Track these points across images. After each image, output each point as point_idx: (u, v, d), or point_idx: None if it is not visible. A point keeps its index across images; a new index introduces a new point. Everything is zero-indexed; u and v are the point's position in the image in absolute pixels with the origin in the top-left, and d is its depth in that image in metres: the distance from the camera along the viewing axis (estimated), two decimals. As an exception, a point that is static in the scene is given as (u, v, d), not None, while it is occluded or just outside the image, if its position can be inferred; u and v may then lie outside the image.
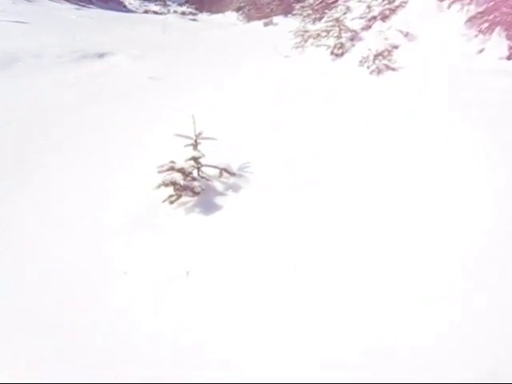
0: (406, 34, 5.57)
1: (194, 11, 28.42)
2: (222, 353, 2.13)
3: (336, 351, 2.02)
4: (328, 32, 6.85)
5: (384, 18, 6.48)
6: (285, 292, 2.47)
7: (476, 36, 4.79)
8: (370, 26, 6.64)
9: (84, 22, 16.44)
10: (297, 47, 7.51)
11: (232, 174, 3.63)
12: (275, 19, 12.98)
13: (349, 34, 6.54)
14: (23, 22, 13.46)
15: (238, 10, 23.05)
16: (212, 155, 3.61)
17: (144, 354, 2.17)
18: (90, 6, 25.85)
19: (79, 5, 24.20)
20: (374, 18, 6.64)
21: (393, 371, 1.87)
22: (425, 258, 2.45)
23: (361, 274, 2.46)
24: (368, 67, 5.31)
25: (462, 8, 5.22)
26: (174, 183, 3.35)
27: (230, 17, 23.75)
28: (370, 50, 5.36)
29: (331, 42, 6.57)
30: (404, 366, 1.90)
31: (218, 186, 3.63)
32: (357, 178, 3.33)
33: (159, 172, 3.41)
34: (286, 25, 11.37)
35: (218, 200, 3.46)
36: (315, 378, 1.88)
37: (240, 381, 1.94)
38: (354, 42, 6.39)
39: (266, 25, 12.60)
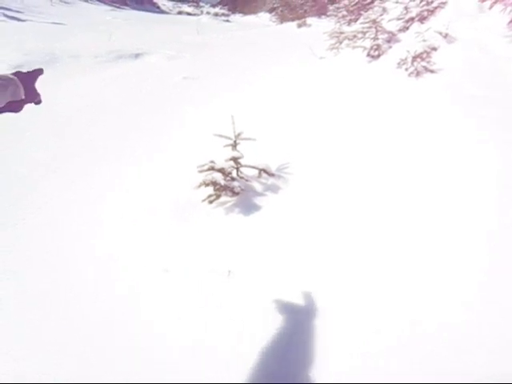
0: (446, 36, 5.48)
1: (226, 12, 28.52)
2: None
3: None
4: (364, 33, 6.79)
5: (422, 19, 6.38)
6: (323, 293, 2.50)
7: (520, 37, 4.70)
8: (407, 28, 6.55)
9: (119, 23, 16.71)
10: (332, 49, 7.46)
11: (271, 174, 3.66)
12: (309, 20, 12.88)
13: (385, 36, 6.47)
14: (61, 24, 13.79)
15: (270, 11, 23.00)
16: (250, 155, 3.65)
17: (185, 356, 2.21)
18: (125, 7, 26.26)
19: (114, 6, 24.61)
20: (412, 19, 6.55)
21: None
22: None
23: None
24: (406, 69, 5.24)
25: (505, 9, 5.11)
26: (214, 183, 3.40)
27: (263, 18, 23.75)
28: (408, 51, 5.30)
29: (367, 43, 6.50)
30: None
31: (257, 186, 3.66)
32: (397, 183, 3.33)
33: (199, 172, 3.46)
34: (319, 26, 11.32)
35: (257, 200, 3.49)
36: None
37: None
38: (391, 44, 6.32)
39: (299, 26, 12.52)
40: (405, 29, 6.57)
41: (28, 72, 1.43)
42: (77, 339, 2.31)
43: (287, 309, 2.43)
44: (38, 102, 1.49)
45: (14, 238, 3.16)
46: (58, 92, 6.53)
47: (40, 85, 1.49)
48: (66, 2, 19.90)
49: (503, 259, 2.42)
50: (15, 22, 12.22)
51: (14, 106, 1.35)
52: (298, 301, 2.47)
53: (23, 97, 1.37)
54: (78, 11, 18.40)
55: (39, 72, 1.47)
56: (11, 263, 2.88)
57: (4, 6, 14.41)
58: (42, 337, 2.32)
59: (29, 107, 1.42)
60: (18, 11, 14.29)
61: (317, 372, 2.04)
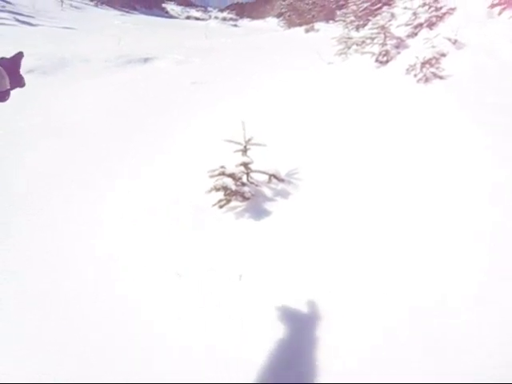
0: (455, 42, 5.45)
1: (234, 17, 28.75)
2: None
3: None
4: (372, 39, 6.77)
5: (431, 25, 6.36)
6: (328, 296, 2.48)
7: (529, 44, 4.66)
8: (416, 34, 6.53)
9: (128, 27, 16.89)
10: (340, 54, 7.45)
11: (281, 179, 3.64)
12: (316, 25, 12.90)
13: (394, 42, 6.45)
14: (71, 28, 13.96)
15: (278, 15, 23.05)
16: (259, 160, 3.62)
17: (185, 356, 2.18)
18: (134, 12, 26.59)
19: (123, 11, 24.93)
20: (421, 25, 6.52)
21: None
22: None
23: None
24: (415, 75, 5.21)
25: (515, 14, 5.08)
26: (225, 188, 3.39)
27: (271, 23, 23.82)
28: (417, 57, 5.26)
29: (376, 49, 6.49)
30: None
31: (267, 191, 3.66)
32: (404, 187, 3.31)
33: (210, 177, 3.45)
34: (327, 31, 11.33)
35: (268, 206, 3.48)
36: None
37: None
38: (400, 50, 6.30)
39: (307, 31, 12.56)
40: (413, 35, 6.54)
41: (10, 58, 1.43)
42: (77, 339, 2.29)
43: (291, 311, 2.41)
44: (22, 86, 1.47)
45: (14, 238, 3.16)
46: (66, 95, 6.57)
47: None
48: (76, 7, 20.19)
49: (503, 259, 2.42)
50: (27, 27, 12.36)
51: (1, 96, 1.35)
52: (304, 304, 2.45)
53: (9, 86, 1.36)
54: (88, 16, 18.62)
55: (20, 56, 1.48)
56: (11, 263, 2.87)
57: (16, 10, 14.60)
58: (42, 337, 2.30)
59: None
60: (29, 16, 14.48)
61: (320, 373, 2.01)
